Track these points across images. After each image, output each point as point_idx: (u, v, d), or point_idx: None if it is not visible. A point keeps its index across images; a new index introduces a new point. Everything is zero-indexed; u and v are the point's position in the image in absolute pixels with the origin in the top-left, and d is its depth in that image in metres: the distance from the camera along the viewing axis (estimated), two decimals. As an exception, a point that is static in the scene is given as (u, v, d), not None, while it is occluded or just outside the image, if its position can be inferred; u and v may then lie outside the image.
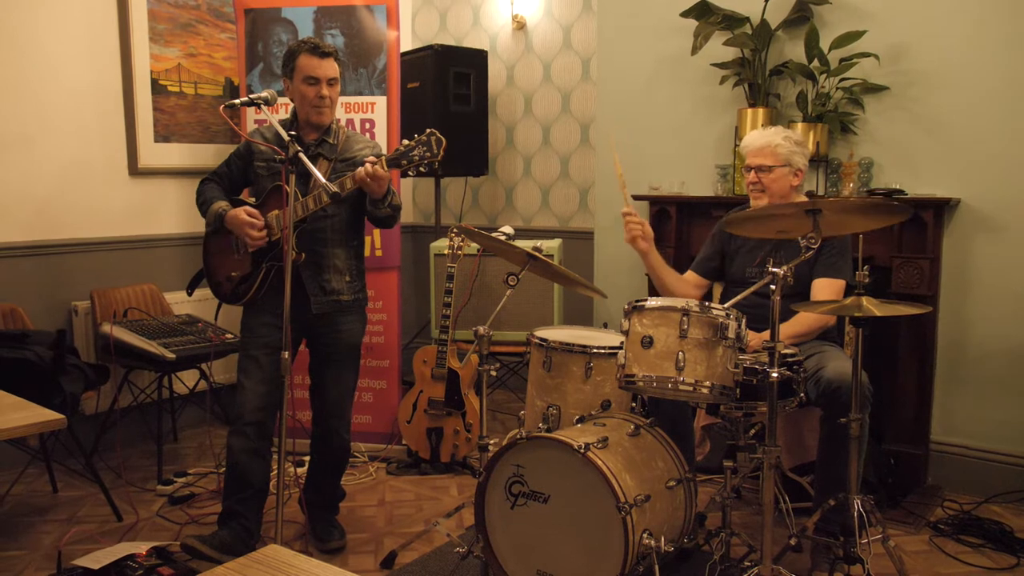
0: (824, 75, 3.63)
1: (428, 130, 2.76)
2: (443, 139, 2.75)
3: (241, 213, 2.86)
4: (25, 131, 3.78)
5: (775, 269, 2.26)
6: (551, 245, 4.10)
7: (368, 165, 2.72)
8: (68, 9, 3.89)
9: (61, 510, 3.42)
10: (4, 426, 1.97)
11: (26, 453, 3.50)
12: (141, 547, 2.78)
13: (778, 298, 2.25)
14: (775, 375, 2.27)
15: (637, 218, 3.07)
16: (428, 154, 2.74)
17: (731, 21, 3.81)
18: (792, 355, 2.53)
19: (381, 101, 4.00)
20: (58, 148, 3.90)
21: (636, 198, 4.22)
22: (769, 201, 2.99)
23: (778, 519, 2.68)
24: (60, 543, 3.05)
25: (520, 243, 2.86)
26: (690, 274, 3.34)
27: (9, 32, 3.70)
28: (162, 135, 4.26)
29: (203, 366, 3.83)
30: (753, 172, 3.03)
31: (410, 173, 2.85)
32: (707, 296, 3.40)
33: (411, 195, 5.63)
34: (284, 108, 3.79)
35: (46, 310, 3.86)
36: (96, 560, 2.69)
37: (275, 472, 2.98)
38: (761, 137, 3.05)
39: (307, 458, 3.23)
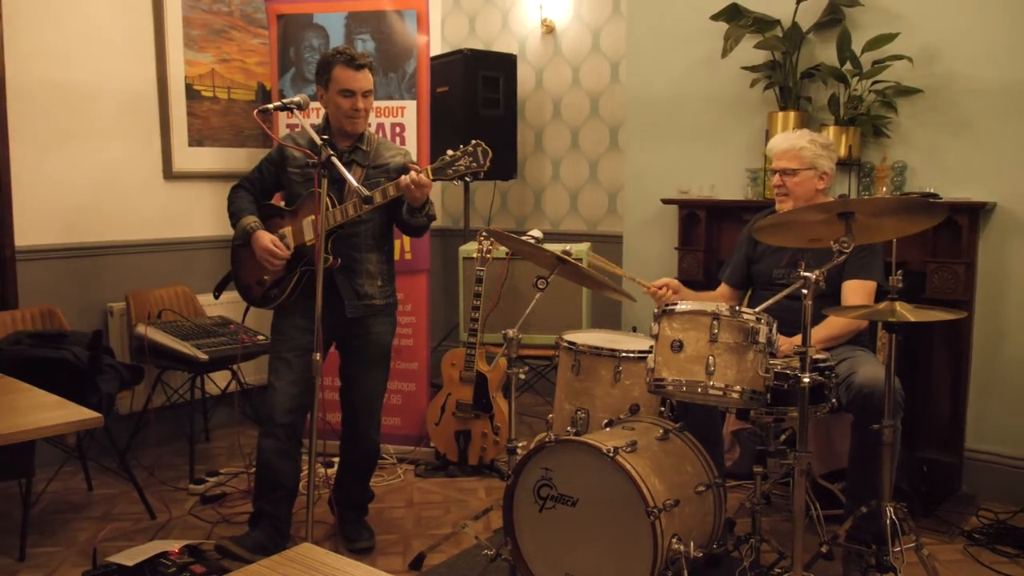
0: (856, 78, 3.59)
1: (474, 141, 2.75)
2: (489, 150, 2.74)
3: (265, 239, 2.88)
4: (64, 136, 3.86)
5: (807, 273, 2.24)
6: (580, 249, 4.09)
7: (413, 172, 2.72)
8: (106, 16, 3.96)
9: (96, 507, 3.48)
10: (43, 424, 2.01)
11: (62, 451, 3.56)
12: (174, 545, 2.82)
13: (810, 303, 2.23)
14: (806, 380, 2.26)
15: (660, 287, 3.07)
16: (474, 164, 2.73)
17: (762, 24, 3.79)
18: (823, 360, 2.51)
19: (411, 105, 4.03)
20: (95, 152, 3.97)
21: (665, 202, 4.22)
22: (793, 205, 2.97)
23: (808, 526, 2.66)
24: (95, 540, 3.10)
25: (549, 246, 2.86)
26: (723, 287, 3.32)
27: (48, 39, 3.77)
28: (196, 139, 4.32)
29: (234, 367, 3.88)
30: (777, 175, 3.02)
31: (456, 183, 2.86)
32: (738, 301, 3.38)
33: (440, 199, 5.65)
34: (316, 113, 3.82)
35: (83, 311, 3.92)
36: (130, 557, 2.74)
37: (305, 473, 3.00)
38: (785, 140, 3.03)
39: (336, 459, 3.26)
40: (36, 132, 3.76)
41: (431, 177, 2.75)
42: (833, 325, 2.90)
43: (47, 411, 2.11)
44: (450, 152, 2.77)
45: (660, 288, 3.07)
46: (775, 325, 2.44)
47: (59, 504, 3.50)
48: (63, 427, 2.06)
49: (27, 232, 3.75)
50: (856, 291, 2.92)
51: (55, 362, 3.12)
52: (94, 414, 2.06)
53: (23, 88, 3.70)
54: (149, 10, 4.11)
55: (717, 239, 4.11)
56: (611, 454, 2.30)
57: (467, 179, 2.79)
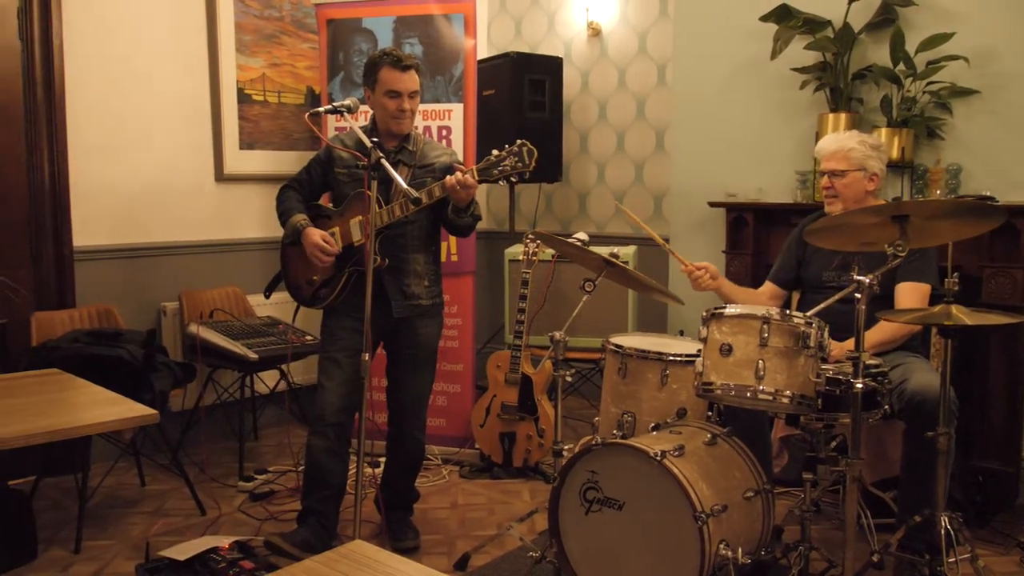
0: (910, 79, 3.53)
1: (519, 141, 2.75)
2: (534, 150, 2.74)
3: (316, 235, 2.91)
4: (120, 138, 3.96)
5: (860, 277, 2.21)
6: (626, 251, 4.08)
7: (459, 173, 2.73)
8: (161, 21, 4.05)
9: (148, 503, 3.55)
10: (102, 420, 2.07)
11: (116, 447, 3.64)
12: (224, 541, 2.86)
13: (863, 307, 2.20)
14: (859, 386, 2.22)
15: (697, 268, 3.04)
16: (520, 164, 2.73)
17: (812, 25, 3.75)
18: (876, 365, 2.47)
19: (458, 108, 4.05)
20: (150, 155, 4.07)
21: (712, 205, 4.18)
22: (843, 207, 2.93)
23: (859, 535, 2.62)
24: (148, 534, 3.17)
25: (596, 249, 2.85)
26: (767, 285, 3.29)
27: (105, 43, 3.88)
28: (246, 142, 4.39)
29: (283, 367, 3.93)
30: (826, 177, 2.98)
31: (500, 183, 2.87)
32: (785, 304, 3.34)
33: (485, 201, 5.68)
34: (364, 116, 3.87)
35: (137, 310, 4.02)
36: (181, 552, 2.79)
37: (352, 472, 3.03)
38: (835, 141, 2.99)
39: (383, 459, 3.28)
40: (93, 136, 3.86)
41: (476, 178, 2.76)
42: (886, 329, 2.85)
43: (105, 407, 2.17)
44: (495, 152, 2.77)
45: (699, 269, 3.04)
46: (827, 329, 2.41)
47: (113, 499, 3.58)
48: (120, 423, 2.11)
49: (84, 233, 3.85)
50: (910, 294, 2.87)
51: (111, 360, 3.19)
52: (150, 411, 2.11)
53: (81, 93, 3.80)
54: (203, 16, 4.20)
55: (765, 242, 4.06)
56: (658, 458, 2.29)
57: (512, 179, 2.78)
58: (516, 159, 2.73)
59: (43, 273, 3.78)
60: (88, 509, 3.22)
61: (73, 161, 3.79)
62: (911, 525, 2.59)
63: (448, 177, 2.76)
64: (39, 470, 3.43)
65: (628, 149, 5.02)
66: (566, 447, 2.73)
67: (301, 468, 3.14)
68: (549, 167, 4.82)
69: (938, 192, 3.52)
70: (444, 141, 4.03)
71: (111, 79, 3.91)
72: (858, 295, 2.21)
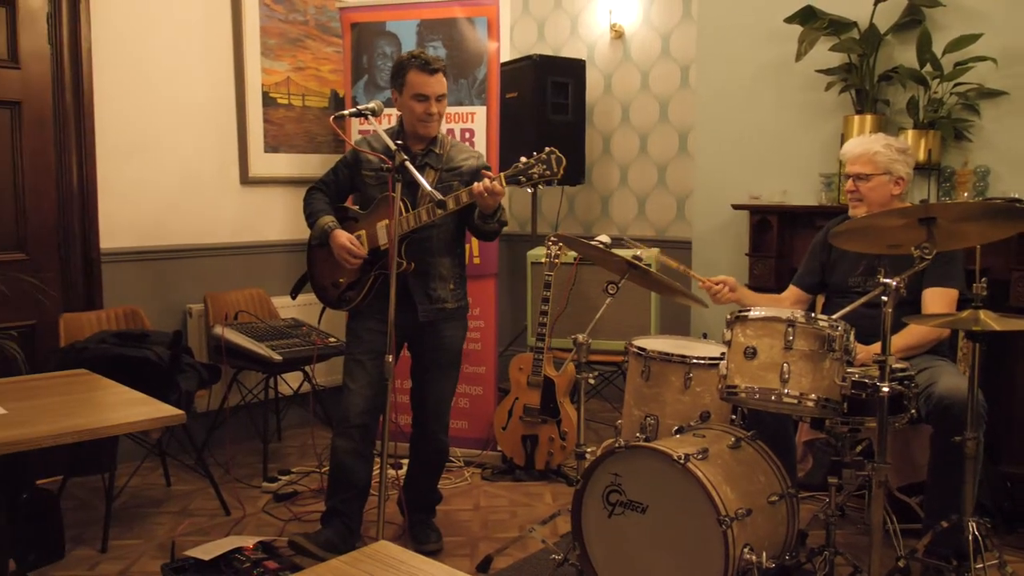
0: (937, 80, 3.50)
1: (548, 148, 2.75)
2: (563, 158, 2.74)
3: (343, 237, 2.93)
4: (147, 142, 4.00)
5: (887, 280, 2.19)
6: (649, 254, 4.06)
7: (487, 180, 2.73)
8: (187, 26, 4.10)
9: (174, 503, 3.58)
10: (130, 419, 2.09)
11: (143, 447, 3.68)
12: (248, 541, 2.89)
13: (890, 310, 2.18)
14: (886, 389, 2.20)
15: (715, 283, 3.04)
16: (548, 172, 2.74)
17: (838, 26, 3.72)
18: (903, 369, 2.45)
19: (481, 111, 4.06)
20: (177, 158, 4.11)
21: (736, 207, 4.16)
22: (868, 210, 2.91)
23: (884, 540, 2.59)
24: (174, 534, 3.20)
25: (620, 251, 2.85)
26: (791, 289, 3.27)
27: (133, 48, 3.92)
28: (271, 145, 4.43)
29: (307, 368, 3.96)
30: (851, 180, 2.96)
31: (528, 190, 2.87)
32: (810, 308, 3.32)
33: (508, 204, 5.67)
34: (388, 119, 3.88)
35: (163, 312, 4.06)
36: (206, 552, 2.81)
37: (376, 473, 3.04)
38: (860, 144, 2.97)
39: (405, 461, 3.29)
40: (120, 139, 3.91)
41: (504, 185, 2.76)
42: (913, 333, 2.83)
43: (133, 407, 2.19)
44: (523, 159, 2.77)
45: (717, 284, 3.04)
46: (852, 332, 2.39)
47: (139, 498, 3.62)
48: (148, 423, 2.13)
49: (111, 235, 3.90)
50: (937, 299, 2.84)
51: (138, 361, 3.23)
52: (177, 411, 2.13)
53: (109, 97, 3.85)
54: (228, 21, 4.23)
55: (789, 245, 4.03)
56: (682, 461, 2.28)
57: (541, 186, 2.79)
58: (544, 167, 2.74)
59: (71, 275, 3.83)
60: (114, 509, 3.26)
61: (101, 164, 3.84)
62: (938, 530, 2.56)
63: (475, 184, 2.76)
64: (66, 470, 3.48)
65: (651, 151, 5.01)
66: (589, 449, 2.73)
67: (324, 469, 3.16)
68: (571, 170, 4.76)
69: (965, 195, 3.48)
70: (467, 144, 4.03)
71: (138, 83, 3.95)
72: (885, 298, 2.19)
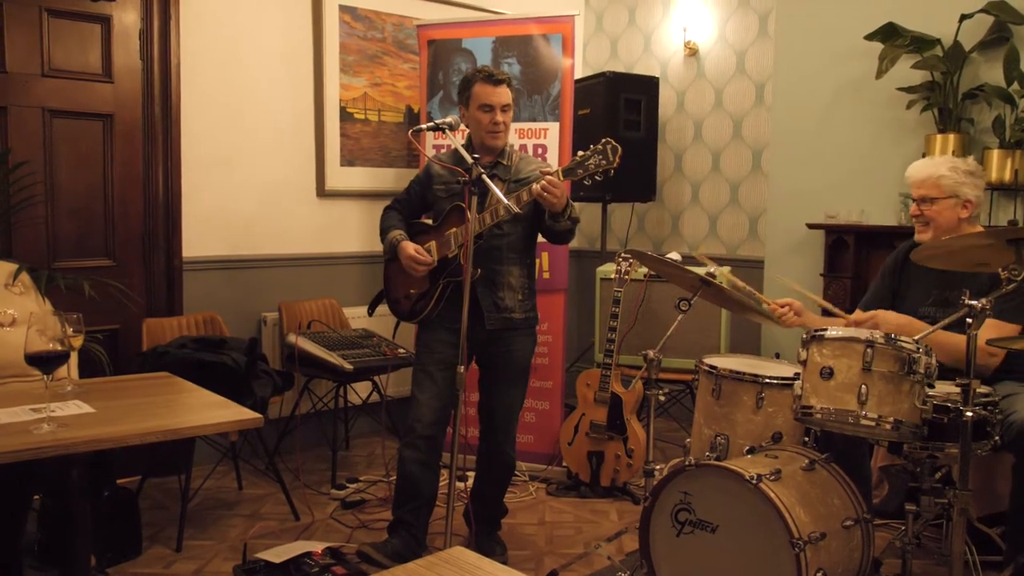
0: (1024, 99, 3.40)
1: (604, 139, 2.78)
2: (618, 147, 2.75)
3: (409, 248, 2.98)
4: (229, 154, 4.14)
5: (972, 302, 2.13)
6: (721, 271, 4.02)
7: (544, 179, 2.76)
8: (271, 43, 4.23)
9: (245, 506, 3.67)
10: (211, 421, 2.15)
11: (217, 451, 3.78)
12: (317, 546, 2.94)
13: (976, 332, 2.11)
14: (969, 414, 2.13)
15: (781, 306, 3.00)
16: (604, 162, 2.75)
17: (920, 43, 3.64)
18: (987, 394, 2.37)
19: (554, 127, 4.09)
20: (257, 170, 4.23)
21: (811, 227, 4.09)
22: (934, 235, 2.82)
23: (964, 571, 2.50)
24: (246, 536, 3.27)
25: (694, 268, 2.83)
26: (859, 313, 3.19)
27: (218, 63, 4.06)
28: (347, 159, 4.53)
29: (377, 378, 4.01)
30: (915, 204, 2.88)
31: (586, 182, 2.88)
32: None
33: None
34: (460, 134, 3.93)
35: (240, 319, 4.17)
36: (277, 555, 2.88)
37: (443, 484, 3.06)
38: (924, 168, 2.88)
39: (471, 473, 3.31)
40: (204, 152, 4.05)
41: (562, 178, 2.78)
42: (954, 343, 2.68)
43: (213, 410, 2.25)
44: (580, 152, 2.80)
45: (782, 307, 2.99)
46: (934, 356, 2.32)
47: (213, 501, 3.72)
48: (228, 425, 2.19)
49: (193, 245, 4.03)
50: (993, 331, 2.71)
51: (216, 366, 3.32)
52: (255, 414, 2.18)
53: (194, 111, 3.99)
54: (309, 38, 4.35)
55: (866, 265, 3.95)
56: (754, 481, 2.25)
57: (598, 178, 2.80)
58: (601, 157, 2.76)
59: (155, 281, 3.97)
60: (189, 510, 3.34)
61: (186, 175, 3.98)
62: (1020, 563, 2.46)
63: (534, 184, 2.79)
64: (145, 470, 3.59)
65: (724, 169, 4.96)
66: (658, 467, 2.70)
67: (392, 478, 3.19)
68: (643, 186, 4.80)
69: (1054, 216, 3.36)
70: (540, 159, 4.05)
71: (223, 98, 4.09)
72: (970, 319, 2.13)
